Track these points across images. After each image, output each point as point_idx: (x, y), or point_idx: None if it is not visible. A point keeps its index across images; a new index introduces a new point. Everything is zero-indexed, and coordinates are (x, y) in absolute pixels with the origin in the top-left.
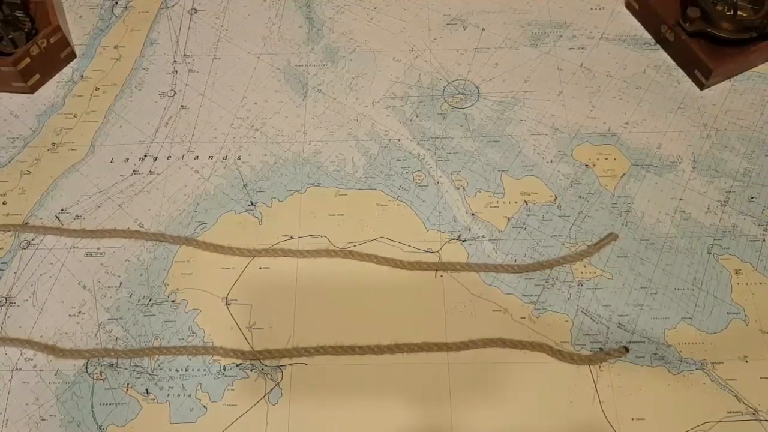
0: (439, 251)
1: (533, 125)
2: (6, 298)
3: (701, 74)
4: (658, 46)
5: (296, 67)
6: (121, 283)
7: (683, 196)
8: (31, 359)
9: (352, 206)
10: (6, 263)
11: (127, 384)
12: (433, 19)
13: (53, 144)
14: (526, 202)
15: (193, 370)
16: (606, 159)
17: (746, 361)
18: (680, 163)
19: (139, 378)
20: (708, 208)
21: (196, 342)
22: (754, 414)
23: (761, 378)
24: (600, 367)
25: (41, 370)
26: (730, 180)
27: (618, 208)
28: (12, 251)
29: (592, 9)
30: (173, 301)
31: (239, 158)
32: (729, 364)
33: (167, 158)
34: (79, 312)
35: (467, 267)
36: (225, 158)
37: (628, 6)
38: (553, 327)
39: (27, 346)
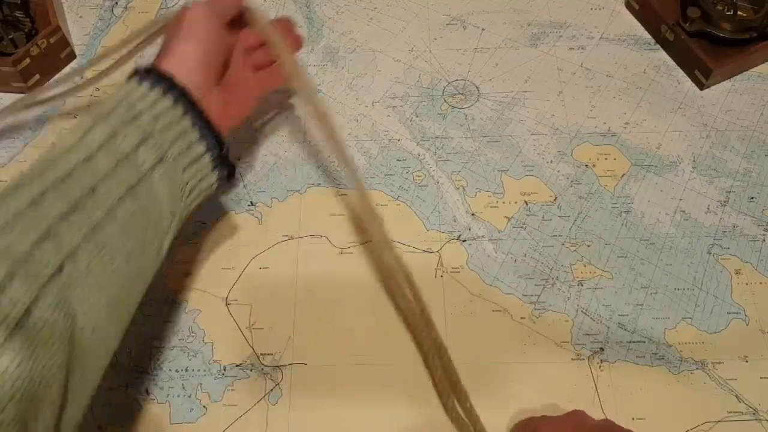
0: (439, 251)
1: (533, 125)
2: None
3: (701, 74)
4: (658, 46)
5: None
6: None
7: (683, 196)
8: None
9: (352, 206)
10: None
11: (127, 384)
12: (433, 19)
13: (53, 144)
14: (526, 202)
15: (193, 370)
16: (606, 159)
17: (746, 361)
18: (680, 163)
19: (138, 378)
20: (708, 208)
21: (196, 342)
22: (754, 414)
23: (761, 378)
24: (600, 367)
25: None
26: (730, 180)
27: (618, 208)
28: None
29: (592, 9)
30: (173, 301)
31: (239, 158)
32: (729, 364)
33: None
34: None
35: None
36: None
37: (628, 6)
38: (553, 327)
39: None
